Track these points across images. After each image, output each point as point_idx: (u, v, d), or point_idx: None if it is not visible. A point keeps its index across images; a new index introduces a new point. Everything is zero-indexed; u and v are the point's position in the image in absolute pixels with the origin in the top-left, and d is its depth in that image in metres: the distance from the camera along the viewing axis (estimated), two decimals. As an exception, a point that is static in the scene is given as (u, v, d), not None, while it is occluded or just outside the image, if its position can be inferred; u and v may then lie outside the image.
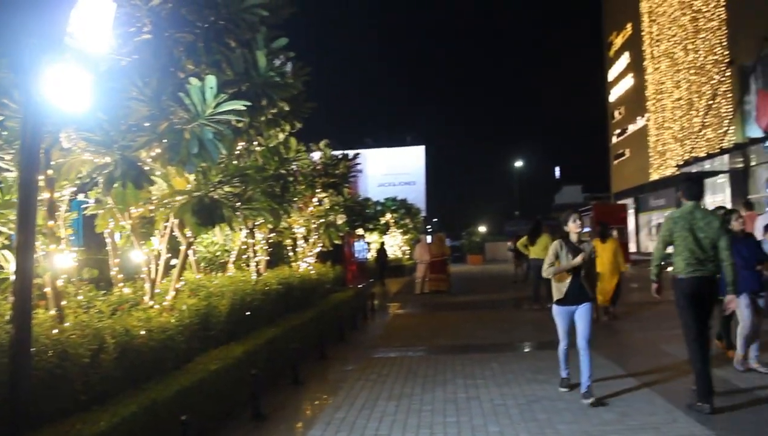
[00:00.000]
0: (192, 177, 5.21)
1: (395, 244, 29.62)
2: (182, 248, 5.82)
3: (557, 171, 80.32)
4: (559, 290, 5.89)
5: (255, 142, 6.08)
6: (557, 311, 5.96)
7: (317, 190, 10.54)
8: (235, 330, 6.42)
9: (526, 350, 8.76)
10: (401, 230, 30.06)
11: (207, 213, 5.13)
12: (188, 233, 5.76)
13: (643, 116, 37.17)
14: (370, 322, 12.49)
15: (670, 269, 5.70)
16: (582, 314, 5.80)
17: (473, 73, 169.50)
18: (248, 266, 8.41)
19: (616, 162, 43.65)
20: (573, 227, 5.93)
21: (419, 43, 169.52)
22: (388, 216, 29.25)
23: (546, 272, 5.93)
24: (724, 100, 26.66)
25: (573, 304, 5.83)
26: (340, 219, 10.69)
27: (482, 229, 51.00)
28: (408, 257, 28.46)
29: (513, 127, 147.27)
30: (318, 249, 11.22)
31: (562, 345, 6.02)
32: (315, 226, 10.73)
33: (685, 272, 5.34)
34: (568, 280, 5.83)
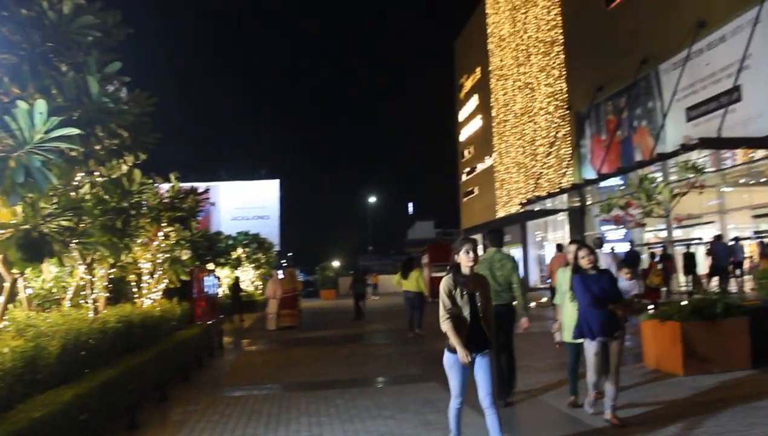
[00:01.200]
0: (19, 209, 4.84)
1: (247, 279, 29.09)
2: (6, 284, 5.39)
3: (410, 207, 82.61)
4: (456, 335, 4.77)
5: (96, 173, 5.79)
6: (451, 362, 4.84)
7: (163, 225, 10.15)
8: (67, 372, 5.98)
9: (372, 385, 8.79)
10: (253, 265, 29.62)
11: (34, 248, 4.78)
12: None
13: (490, 156, 39.00)
14: (218, 359, 12.12)
15: None
16: (483, 364, 4.83)
17: (331, 109, 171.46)
18: (87, 302, 7.93)
19: (465, 199, 45.40)
20: (465, 260, 4.87)
21: (280, 77, 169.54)
22: (240, 250, 28.74)
23: (444, 324, 4.76)
24: (563, 144, 28.52)
25: (472, 352, 4.76)
26: (185, 254, 10.33)
27: (336, 263, 51.31)
28: (260, 292, 28.03)
29: (369, 164, 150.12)
30: (164, 285, 10.77)
31: (455, 403, 4.92)
32: (160, 261, 10.30)
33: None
34: (468, 323, 4.81)
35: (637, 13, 22.61)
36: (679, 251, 19.10)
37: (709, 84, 18.70)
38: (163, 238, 10.26)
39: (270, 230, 42.72)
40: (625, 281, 7.20)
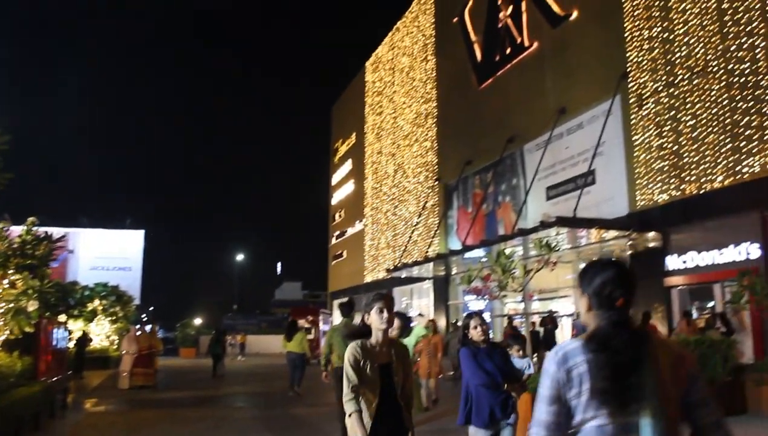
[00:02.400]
0: None
1: (102, 333, 27.51)
2: None
3: (279, 267, 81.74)
4: (359, 421, 3.71)
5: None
6: None
7: (10, 272, 9.44)
8: None
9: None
10: (110, 319, 28.07)
11: None
12: None
13: (361, 221, 39.40)
14: (59, 421, 11.24)
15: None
16: None
17: (202, 164, 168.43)
18: None
19: (334, 262, 45.45)
20: (377, 321, 3.86)
21: (153, 131, 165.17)
22: (97, 302, 27.22)
23: (347, 405, 3.73)
24: (431, 214, 29.30)
25: None
26: (32, 305, 9.61)
27: (198, 321, 49.67)
28: (116, 347, 26.53)
29: (239, 221, 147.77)
30: (4, 337, 9.94)
31: None
32: (2, 311, 9.52)
33: (338, 363, 7.48)
34: (375, 403, 3.76)
35: (506, 95, 23.91)
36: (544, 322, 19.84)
37: (568, 166, 19.93)
38: (7, 286, 9.51)
39: (131, 282, 40.89)
40: (517, 359, 6.65)
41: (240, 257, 66.60)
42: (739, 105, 14.35)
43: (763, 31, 13.96)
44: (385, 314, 3.89)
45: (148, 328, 21.47)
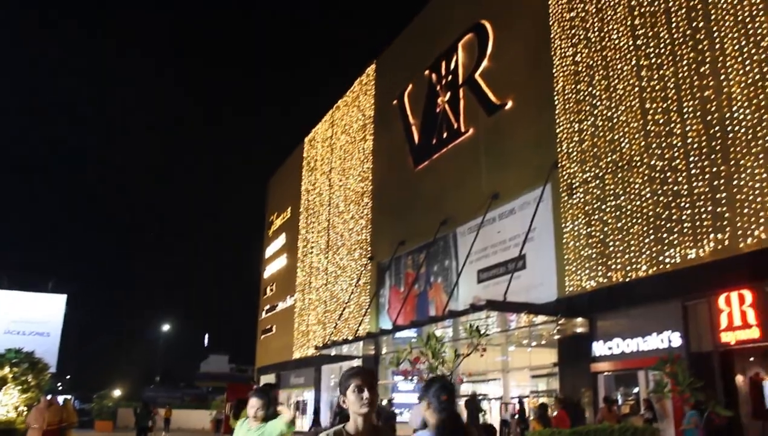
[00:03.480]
0: None
1: (10, 403, 25.93)
2: None
3: (206, 339, 79.44)
4: None
5: None
6: None
7: None
8: None
9: None
10: (20, 388, 26.51)
11: None
12: None
13: (292, 296, 38.95)
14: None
15: None
16: None
17: (134, 232, 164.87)
18: None
19: (263, 336, 44.54)
20: (355, 403, 3.10)
21: (81, 192, 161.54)
22: (7, 369, 25.74)
23: None
24: (363, 292, 29.20)
25: None
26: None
27: (117, 392, 47.56)
28: (23, 420, 25.00)
29: (167, 290, 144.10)
30: None
31: None
32: None
33: None
34: None
35: (441, 177, 24.43)
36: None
37: (500, 250, 20.30)
38: None
39: (49, 348, 38.82)
40: None
41: (166, 328, 64.61)
42: (660, 198, 15.00)
43: (679, 131, 14.76)
44: (366, 394, 3.12)
45: (61, 399, 20.37)
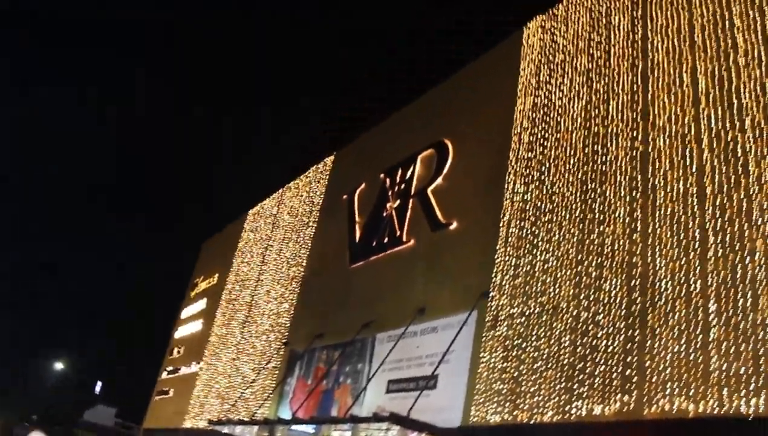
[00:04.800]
0: None
1: None
2: None
3: (98, 386, 75.24)
4: None
5: None
6: None
7: None
8: None
9: None
10: None
11: None
12: None
13: (198, 363, 37.69)
14: None
15: None
16: None
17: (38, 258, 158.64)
18: None
19: (158, 397, 42.67)
20: None
21: None
22: None
23: None
24: (270, 375, 28.46)
25: None
26: None
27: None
28: None
29: (67, 323, 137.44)
30: None
31: None
32: None
33: None
34: None
35: (373, 280, 24.48)
36: None
37: (414, 365, 20.16)
38: None
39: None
40: None
41: (59, 366, 61.52)
42: (578, 349, 15.27)
43: (607, 287, 15.26)
44: None
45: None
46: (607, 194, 16.57)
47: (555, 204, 18.03)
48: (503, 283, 18.41)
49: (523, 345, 16.74)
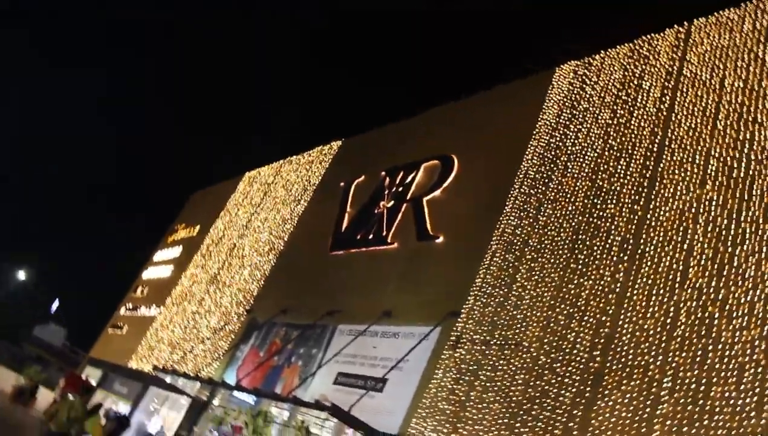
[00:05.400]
0: None
1: None
2: None
3: (55, 305, 73.67)
4: None
5: None
6: None
7: None
8: None
9: None
10: None
11: None
12: None
13: (159, 307, 37.63)
14: None
15: None
16: None
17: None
18: None
19: (111, 330, 42.54)
20: None
21: None
22: None
23: None
24: (225, 338, 28.47)
25: None
26: None
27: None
28: None
29: (32, 242, 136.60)
30: None
31: None
32: None
33: None
34: None
35: (348, 272, 24.55)
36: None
37: (367, 364, 20.24)
38: None
39: None
40: None
41: (21, 276, 61.30)
42: (528, 390, 15.41)
43: (572, 338, 15.39)
44: None
45: None
46: (595, 249, 16.73)
47: (543, 245, 18.17)
48: (473, 308, 18.52)
49: (478, 372, 16.86)
